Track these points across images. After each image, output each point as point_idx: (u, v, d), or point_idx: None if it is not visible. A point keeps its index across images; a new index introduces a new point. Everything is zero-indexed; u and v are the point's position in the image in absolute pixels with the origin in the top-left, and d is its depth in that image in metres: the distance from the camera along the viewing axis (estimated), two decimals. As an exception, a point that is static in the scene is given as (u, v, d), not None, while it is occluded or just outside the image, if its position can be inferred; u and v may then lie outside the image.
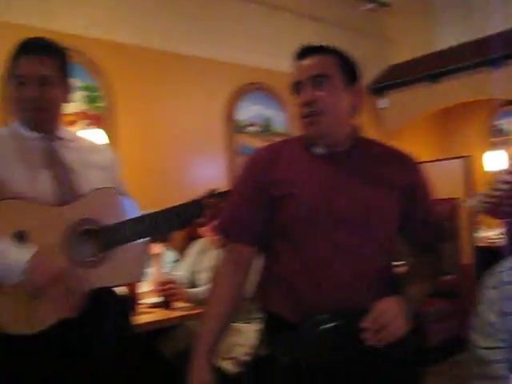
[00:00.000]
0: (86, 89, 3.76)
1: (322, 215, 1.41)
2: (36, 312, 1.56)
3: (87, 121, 3.74)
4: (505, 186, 1.36)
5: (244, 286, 1.53)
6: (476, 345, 1.01)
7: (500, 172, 1.40)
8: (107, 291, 1.73)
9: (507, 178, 1.12)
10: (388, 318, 1.29)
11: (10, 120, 1.81)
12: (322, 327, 1.33)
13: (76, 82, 3.60)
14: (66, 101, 1.78)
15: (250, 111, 4.66)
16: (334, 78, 1.44)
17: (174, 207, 1.76)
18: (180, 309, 2.68)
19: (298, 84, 1.46)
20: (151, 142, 4.05)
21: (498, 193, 1.40)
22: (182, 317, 2.61)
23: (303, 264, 1.41)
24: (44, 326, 1.56)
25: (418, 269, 1.55)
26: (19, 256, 1.52)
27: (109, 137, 3.63)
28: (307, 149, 1.50)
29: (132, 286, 2.48)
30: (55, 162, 1.72)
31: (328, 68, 1.44)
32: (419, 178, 1.54)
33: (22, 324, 1.55)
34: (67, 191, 1.69)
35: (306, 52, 1.47)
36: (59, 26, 3.57)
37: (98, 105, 3.83)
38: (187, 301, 2.70)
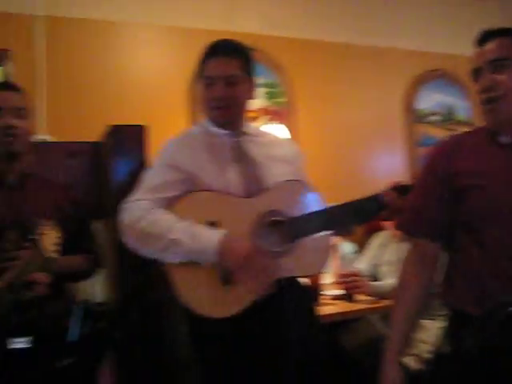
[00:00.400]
0: (266, 85, 3.90)
1: (508, 206, 1.34)
2: (231, 295, 1.64)
3: (268, 116, 3.88)
4: None
5: (431, 283, 1.49)
6: None
7: None
8: (291, 281, 1.77)
9: None
10: None
11: (201, 119, 1.94)
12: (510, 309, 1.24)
13: (259, 79, 3.76)
14: (250, 98, 1.87)
15: (430, 100, 4.46)
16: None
17: (355, 201, 1.75)
18: (362, 302, 2.66)
19: (477, 70, 1.40)
20: (330, 135, 4.07)
21: None
22: (363, 310, 2.59)
23: (488, 256, 1.36)
24: (239, 309, 1.63)
25: None
26: (212, 237, 1.61)
27: (290, 132, 3.73)
28: (492, 138, 1.43)
29: (315, 278, 2.52)
30: (242, 157, 1.80)
31: (509, 50, 1.37)
32: None
33: (219, 308, 1.64)
34: (254, 184, 1.76)
35: (485, 37, 1.41)
36: (239, 26, 3.74)
37: (279, 100, 3.95)
38: (369, 294, 2.67)
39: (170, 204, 1.70)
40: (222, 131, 1.83)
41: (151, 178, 1.75)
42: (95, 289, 2.60)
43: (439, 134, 4.30)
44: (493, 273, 1.33)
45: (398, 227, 1.58)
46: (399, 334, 1.45)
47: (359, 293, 2.68)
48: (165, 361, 2.22)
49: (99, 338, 1.86)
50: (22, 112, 1.84)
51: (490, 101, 1.37)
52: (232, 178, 1.75)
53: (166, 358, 2.18)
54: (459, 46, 4.16)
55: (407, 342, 1.45)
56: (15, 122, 1.81)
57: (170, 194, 1.71)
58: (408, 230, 1.54)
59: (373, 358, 1.65)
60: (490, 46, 1.39)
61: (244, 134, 1.86)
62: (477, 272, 1.37)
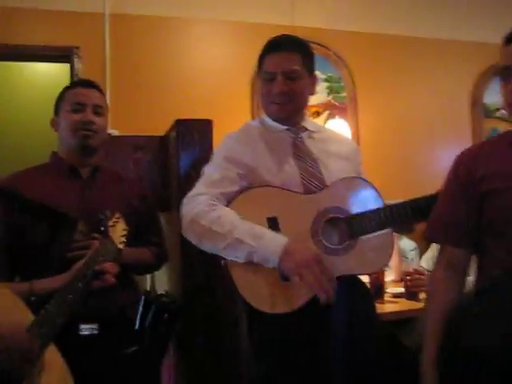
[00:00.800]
0: (329, 80, 3.89)
1: None
2: (290, 291, 1.63)
3: (331, 111, 3.86)
4: None
5: (461, 289, 1.49)
6: None
7: None
8: (353, 278, 1.76)
9: None
10: None
11: (261, 114, 1.94)
12: None
13: (320, 73, 3.75)
14: (311, 93, 1.86)
15: (499, 94, 4.31)
16: None
17: (417, 199, 1.72)
18: (423, 300, 2.61)
19: (507, 69, 1.38)
20: (392, 130, 4.02)
21: None
22: (424, 309, 2.55)
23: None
24: (299, 304, 1.62)
25: None
26: (276, 242, 1.60)
27: (351, 126, 3.70)
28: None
29: (379, 275, 2.50)
30: (301, 153, 1.80)
31: None
32: None
33: (279, 303, 1.63)
34: (313, 180, 1.75)
35: None
36: (301, 21, 3.75)
37: (341, 95, 3.92)
38: None
39: (230, 199, 1.71)
40: (281, 126, 1.83)
41: (212, 172, 1.76)
42: (161, 281, 2.67)
43: (508, 128, 4.15)
44: None
45: (427, 235, 1.56)
46: (432, 340, 1.43)
47: (423, 291, 2.63)
48: (225, 353, 2.25)
49: (163, 329, 1.90)
50: (101, 110, 1.91)
51: None
52: (291, 173, 1.75)
53: (226, 351, 2.21)
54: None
55: None
56: (95, 118, 1.88)
57: (231, 188, 1.71)
58: (436, 238, 1.54)
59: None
60: None
61: (303, 129, 1.86)
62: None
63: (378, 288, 2.50)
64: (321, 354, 1.66)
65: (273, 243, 1.60)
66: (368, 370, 1.70)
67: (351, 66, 3.93)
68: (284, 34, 1.83)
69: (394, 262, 2.93)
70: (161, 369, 2.00)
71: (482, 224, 1.43)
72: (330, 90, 3.90)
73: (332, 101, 3.90)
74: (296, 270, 1.55)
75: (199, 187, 1.74)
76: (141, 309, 1.86)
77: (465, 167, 1.49)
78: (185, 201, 1.73)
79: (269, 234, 1.63)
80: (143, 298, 1.88)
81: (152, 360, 1.90)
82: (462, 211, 1.47)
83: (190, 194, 1.74)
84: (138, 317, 1.85)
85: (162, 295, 2.12)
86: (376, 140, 3.91)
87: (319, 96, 3.79)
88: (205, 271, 2.20)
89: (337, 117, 3.81)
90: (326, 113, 3.83)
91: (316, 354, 1.66)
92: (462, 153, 1.55)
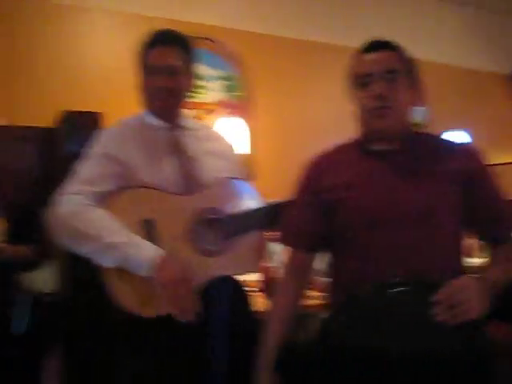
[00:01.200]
0: (225, 78, 3.88)
1: (381, 216, 1.39)
2: (156, 298, 1.59)
3: (227, 110, 3.86)
4: None
5: (302, 292, 1.59)
6: None
7: None
8: (226, 279, 1.74)
9: None
10: (464, 295, 1.22)
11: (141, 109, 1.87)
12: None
13: (214, 71, 3.75)
14: (189, 89, 1.82)
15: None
16: (401, 74, 1.44)
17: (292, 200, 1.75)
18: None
19: (368, 76, 1.44)
20: (289, 131, 4.08)
21: None
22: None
23: (361, 267, 1.39)
24: (158, 314, 1.59)
25: (493, 259, 1.47)
26: (148, 253, 1.56)
27: (248, 126, 3.72)
28: (363, 150, 1.50)
29: (268, 272, 2.53)
30: (179, 151, 1.76)
31: (396, 63, 1.44)
32: (479, 167, 1.48)
33: (149, 307, 1.59)
34: (190, 179, 1.73)
35: (373, 46, 1.47)
36: (198, 17, 3.71)
37: (238, 94, 3.94)
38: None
39: (105, 199, 1.64)
40: (159, 124, 1.79)
41: (87, 169, 1.68)
42: (45, 279, 2.55)
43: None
44: (367, 282, 1.35)
45: (281, 240, 1.61)
46: (273, 344, 1.47)
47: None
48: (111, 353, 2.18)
49: (46, 329, 1.82)
50: None
51: (380, 108, 1.41)
52: (168, 173, 1.71)
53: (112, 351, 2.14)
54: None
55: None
56: None
57: (106, 187, 1.64)
58: (289, 243, 1.59)
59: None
60: (383, 56, 1.45)
61: (181, 127, 1.82)
62: (351, 282, 1.40)
63: (269, 284, 2.53)
64: (200, 352, 1.66)
65: (144, 254, 1.56)
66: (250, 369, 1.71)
67: (250, 66, 3.95)
68: (167, 29, 1.79)
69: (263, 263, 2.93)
70: (41, 371, 1.91)
71: (333, 232, 1.49)
72: (227, 89, 3.91)
73: (227, 99, 3.90)
74: (162, 286, 1.55)
75: (73, 184, 1.65)
76: (22, 308, 1.76)
77: (314, 176, 1.55)
78: (57, 199, 1.64)
79: (142, 243, 1.59)
80: (25, 296, 1.78)
81: (34, 362, 1.81)
82: (308, 217, 1.53)
83: (63, 191, 1.65)
84: (18, 317, 1.75)
85: (46, 294, 2.03)
86: (274, 140, 3.97)
87: (215, 94, 3.79)
88: (91, 268, 2.12)
89: (232, 116, 3.81)
90: (222, 111, 3.84)
91: (195, 352, 1.65)
92: (314, 159, 1.60)
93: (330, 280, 1.55)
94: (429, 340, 1.23)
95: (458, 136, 4.48)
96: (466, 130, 4.66)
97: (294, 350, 1.44)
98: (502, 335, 3.01)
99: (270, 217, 1.71)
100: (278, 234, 1.63)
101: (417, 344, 1.22)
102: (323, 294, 2.59)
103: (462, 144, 1.55)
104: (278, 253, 3.32)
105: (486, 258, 1.52)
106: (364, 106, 1.44)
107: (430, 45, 4.66)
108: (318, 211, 1.50)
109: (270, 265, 2.78)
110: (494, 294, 1.30)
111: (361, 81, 1.46)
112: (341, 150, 1.58)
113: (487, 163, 1.51)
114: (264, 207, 1.73)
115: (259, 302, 2.36)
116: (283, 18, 4.17)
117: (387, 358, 1.23)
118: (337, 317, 1.33)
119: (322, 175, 1.52)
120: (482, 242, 1.54)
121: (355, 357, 1.26)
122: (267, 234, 1.81)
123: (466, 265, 1.48)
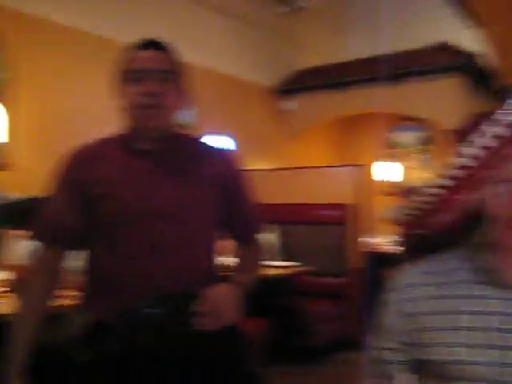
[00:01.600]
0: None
1: (137, 213, 1.41)
2: None
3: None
4: (430, 199, 1.37)
5: (54, 291, 1.52)
6: (372, 345, 1.07)
7: (423, 184, 1.42)
8: None
9: (433, 191, 1.15)
10: (222, 304, 1.32)
11: None
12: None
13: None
14: None
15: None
16: (172, 75, 1.45)
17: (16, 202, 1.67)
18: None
19: (140, 72, 1.42)
20: (53, 120, 3.91)
21: (423, 205, 1.41)
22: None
23: (119, 264, 1.40)
24: None
25: (242, 260, 1.59)
26: None
27: (8, 112, 3.45)
28: (126, 146, 1.48)
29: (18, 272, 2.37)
30: None
31: (169, 65, 1.45)
32: (234, 173, 1.57)
33: None
34: None
35: (149, 45, 1.46)
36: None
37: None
38: None
39: None
40: None
41: None
42: None
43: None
44: (123, 283, 1.39)
45: (36, 237, 1.53)
46: (20, 345, 1.42)
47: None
48: None
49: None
50: None
51: (151, 106, 1.41)
52: None
53: None
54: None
55: (29, 351, 1.42)
56: None
57: None
58: (45, 239, 1.50)
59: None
60: (158, 55, 1.44)
61: None
62: (109, 281, 1.41)
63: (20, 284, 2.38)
64: None
65: None
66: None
67: (14, 48, 3.67)
68: None
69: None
70: None
71: (91, 228, 1.46)
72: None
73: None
74: None
75: None
76: None
77: (74, 171, 1.48)
78: None
79: None
80: None
81: None
82: (65, 213, 1.47)
83: None
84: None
85: None
86: (36, 130, 3.75)
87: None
88: None
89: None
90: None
91: None
92: (73, 152, 1.53)
93: (87, 278, 1.50)
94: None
95: (222, 140, 4.75)
96: (229, 135, 4.96)
97: (50, 351, 1.37)
98: (255, 327, 3.31)
99: (19, 213, 1.61)
100: (30, 231, 1.52)
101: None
102: (78, 293, 2.54)
103: (220, 149, 1.61)
104: (32, 251, 3.13)
105: (237, 257, 1.62)
106: (133, 101, 1.41)
107: (200, 50, 4.87)
108: (76, 206, 1.45)
109: (22, 263, 2.62)
110: (246, 296, 1.40)
111: (132, 76, 1.42)
112: (103, 145, 1.53)
113: (243, 169, 1.61)
114: (14, 203, 1.62)
115: (9, 304, 2.20)
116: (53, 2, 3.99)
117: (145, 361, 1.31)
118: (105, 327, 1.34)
119: (81, 169, 1.47)
120: (234, 242, 1.63)
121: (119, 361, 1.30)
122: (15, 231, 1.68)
123: (219, 263, 1.55)
